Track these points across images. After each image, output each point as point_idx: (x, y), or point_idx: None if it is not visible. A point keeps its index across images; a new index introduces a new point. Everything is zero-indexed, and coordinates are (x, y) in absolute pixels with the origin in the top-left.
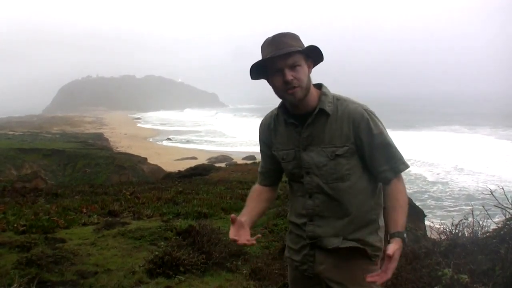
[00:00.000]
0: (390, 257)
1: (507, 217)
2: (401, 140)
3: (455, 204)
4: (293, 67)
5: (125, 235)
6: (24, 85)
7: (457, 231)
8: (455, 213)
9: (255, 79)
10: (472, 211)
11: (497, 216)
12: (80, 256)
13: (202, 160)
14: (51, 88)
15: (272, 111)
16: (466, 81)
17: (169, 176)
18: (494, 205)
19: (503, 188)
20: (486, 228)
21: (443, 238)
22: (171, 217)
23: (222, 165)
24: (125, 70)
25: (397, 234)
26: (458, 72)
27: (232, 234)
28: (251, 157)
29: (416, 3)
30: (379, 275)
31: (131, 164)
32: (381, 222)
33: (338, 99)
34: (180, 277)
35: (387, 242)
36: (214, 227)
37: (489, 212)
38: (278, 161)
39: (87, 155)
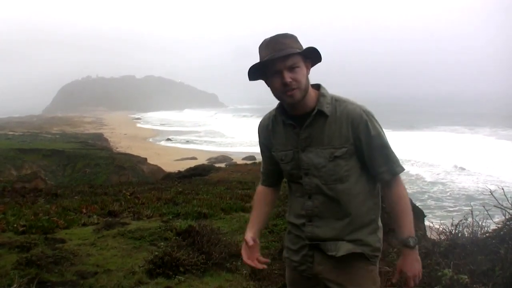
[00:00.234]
0: (407, 277)
1: (507, 217)
2: (402, 140)
3: (455, 204)
4: (291, 68)
5: (125, 236)
6: (24, 85)
7: (457, 231)
8: (455, 213)
9: (253, 80)
10: (472, 211)
11: (497, 217)
12: (80, 257)
13: (202, 160)
14: (51, 88)
15: (270, 112)
16: (466, 81)
17: (169, 176)
18: (494, 206)
19: (503, 189)
20: (486, 229)
21: (443, 238)
22: (171, 217)
23: (222, 165)
24: (125, 70)
25: (402, 244)
26: (458, 72)
27: (246, 257)
28: (251, 157)
29: (416, 3)
30: None
31: (131, 165)
32: (380, 222)
33: (336, 100)
34: (180, 277)
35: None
36: (214, 227)
37: (489, 213)
38: (277, 161)
39: (87, 156)
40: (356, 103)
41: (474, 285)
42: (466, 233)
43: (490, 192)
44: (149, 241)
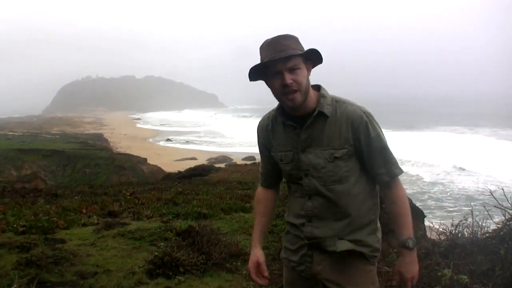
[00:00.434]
0: (405, 279)
1: (507, 217)
2: (402, 140)
3: (455, 204)
4: (292, 70)
5: (125, 236)
6: (24, 85)
7: (456, 231)
8: (455, 213)
9: (253, 80)
10: (472, 211)
11: (496, 217)
12: (80, 257)
13: (201, 160)
14: (51, 88)
15: (269, 112)
16: (466, 81)
17: (169, 176)
18: (494, 206)
19: (503, 189)
20: (486, 229)
21: (442, 238)
22: (170, 217)
23: (222, 165)
24: (125, 70)
25: (401, 245)
26: (458, 72)
27: (254, 275)
28: (251, 157)
29: (417, 3)
30: None
31: (130, 165)
32: (378, 223)
33: (336, 101)
34: (179, 277)
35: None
36: (213, 227)
37: (489, 213)
38: (277, 162)
39: (87, 156)
40: (356, 104)
41: (474, 285)
42: (466, 233)
43: (490, 192)
44: (149, 242)
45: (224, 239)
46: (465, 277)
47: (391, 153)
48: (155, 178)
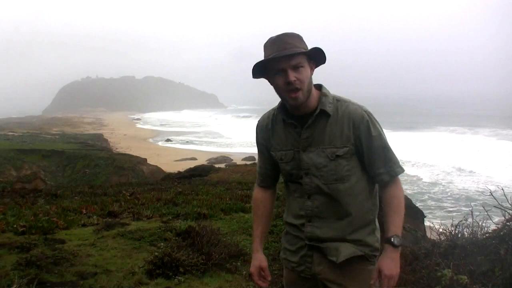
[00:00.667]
0: (382, 276)
1: (507, 217)
2: (403, 141)
3: (455, 205)
4: (296, 68)
5: (125, 236)
6: (24, 86)
7: (456, 231)
8: (455, 213)
9: (256, 77)
10: (472, 212)
11: (496, 217)
12: (80, 257)
13: (201, 161)
14: (51, 89)
15: (269, 112)
16: (466, 81)
17: (169, 177)
18: (494, 206)
19: (503, 189)
20: (486, 229)
21: (442, 239)
22: (170, 218)
23: (222, 165)
24: (125, 71)
25: (386, 241)
26: (458, 72)
27: (257, 279)
28: (251, 157)
29: (417, 3)
30: None
31: (130, 165)
32: (377, 222)
33: (338, 100)
34: (179, 278)
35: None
36: (213, 228)
37: (489, 213)
38: (276, 161)
39: (87, 156)
40: (358, 104)
41: (474, 286)
42: (466, 234)
43: (490, 192)
44: (149, 242)
45: (224, 239)
46: (465, 277)
47: (392, 152)
48: (155, 179)
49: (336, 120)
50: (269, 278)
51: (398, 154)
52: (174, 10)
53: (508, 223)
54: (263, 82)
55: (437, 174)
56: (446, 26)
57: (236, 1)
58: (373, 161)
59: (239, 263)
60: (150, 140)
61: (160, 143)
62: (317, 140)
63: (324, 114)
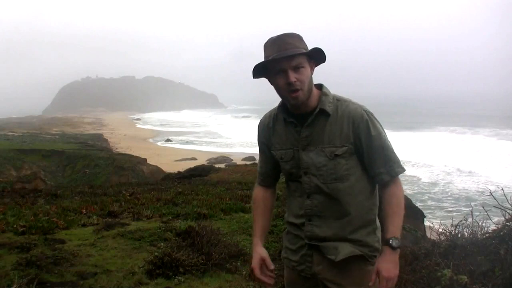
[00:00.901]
0: (380, 277)
1: (507, 217)
2: (403, 141)
3: (455, 205)
4: (296, 68)
5: (125, 236)
6: (24, 86)
7: (456, 232)
8: (455, 213)
9: (257, 78)
10: (472, 212)
11: (496, 217)
12: (80, 257)
13: (201, 161)
14: (51, 89)
15: (271, 111)
16: (466, 81)
17: (169, 177)
18: (494, 206)
19: (502, 189)
20: (486, 229)
21: (442, 239)
22: (170, 218)
23: (222, 166)
24: (125, 71)
25: (385, 242)
26: (458, 72)
27: (258, 273)
28: (251, 158)
29: (417, 3)
30: None
31: (130, 165)
32: (378, 222)
33: (338, 100)
34: (179, 278)
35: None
36: (213, 228)
37: (489, 213)
38: (276, 160)
39: (87, 156)
40: (358, 103)
41: (474, 286)
42: (466, 234)
43: (490, 192)
44: (149, 242)
45: (224, 239)
46: (465, 277)
47: (393, 152)
48: (155, 179)
49: (335, 120)
50: (272, 267)
51: (399, 155)
52: (174, 10)
53: (508, 223)
54: (263, 82)
55: (437, 174)
56: (446, 26)
57: (236, 1)
58: (373, 161)
59: (239, 263)
60: (150, 140)
61: (160, 143)
62: (317, 139)
63: (323, 113)
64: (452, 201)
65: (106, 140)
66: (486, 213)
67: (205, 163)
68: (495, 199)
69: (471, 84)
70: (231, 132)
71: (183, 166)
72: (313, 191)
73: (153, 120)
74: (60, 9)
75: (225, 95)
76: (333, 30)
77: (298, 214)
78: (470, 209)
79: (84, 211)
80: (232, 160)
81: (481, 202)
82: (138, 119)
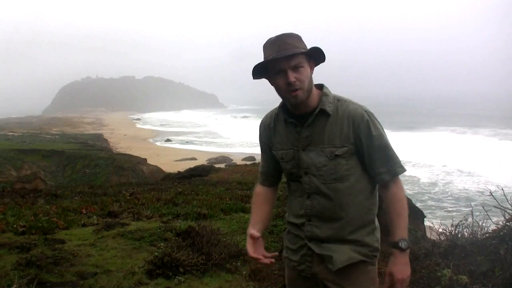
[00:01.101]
0: (395, 280)
1: (507, 217)
2: (403, 141)
3: (455, 205)
4: (296, 68)
5: (125, 236)
6: (24, 86)
7: (456, 232)
8: (455, 213)
9: (256, 78)
10: (472, 212)
11: (496, 217)
12: (80, 257)
13: (201, 161)
14: (51, 89)
15: (272, 111)
16: (466, 81)
17: (169, 177)
18: (494, 206)
19: (502, 189)
20: (486, 229)
21: (442, 239)
22: (170, 218)
23: (222, 166)
24: (125, 71)
25: (393, 245)
26: (458, 72)
27: (251, 252)
28: (251, 158)
29: (417, 3)
30: None
31: (130, 165)
32: (377, 222)
33: (338, 100)
34: (179, 278)
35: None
36: (213, 228)
37: (489, 213)
38: (277, 160)
39: (87, 156)
40: (358, 103)
41: (474, 286)
42: (466, 234)
43: (490, 192)
44: (149, 242)
45: (224, 239)
46: (465, 277)
47: (393, 152)
48: (155, 179)
49: (336, 120)
50: (262, 249)
51: (399, 155)
52: (174, 10)
53: (508, 223)
54: (263, 82)
55: (437, 174)
56: (446, 26)
57: (236, 1)
58: (374, 161)
59: (239, 263)
60: (150, 140)
61: (160, 143)
62: (317, 139)
63: (324, 113)
64: (452, 201)
65: (106, 140)
66: (486, 213)
67: (205, 163)
68: (495, 199)
69: (471, 84)
70: (231, 132)
71: (183, 166)
72: (313, 191)
73: (153, 120)
74: (60, 9)
75: (225, 95)
76: (333, 30)
77: (298, 214)
78: (470, 209)
79: (84, 211)
80: (232, 160)
81: (481, 202)
82: (138, 119)
